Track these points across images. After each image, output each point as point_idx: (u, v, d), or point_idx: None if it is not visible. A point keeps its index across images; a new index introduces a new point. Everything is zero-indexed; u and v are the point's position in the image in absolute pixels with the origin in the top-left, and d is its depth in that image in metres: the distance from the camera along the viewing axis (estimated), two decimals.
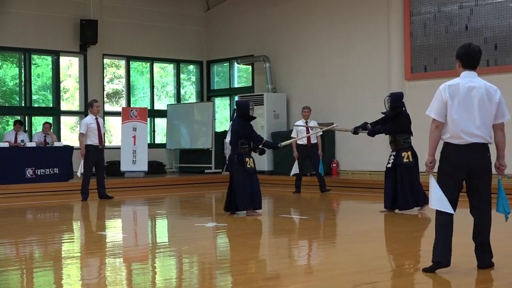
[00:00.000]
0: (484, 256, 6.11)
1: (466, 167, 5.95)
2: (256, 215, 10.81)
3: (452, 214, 5.98)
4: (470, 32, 15.41)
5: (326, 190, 14.72)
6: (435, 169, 6.10)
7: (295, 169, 14.62)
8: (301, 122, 14.90)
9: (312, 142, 14.62)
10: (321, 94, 18.09)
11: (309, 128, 14.56)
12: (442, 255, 5.98)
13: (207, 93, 21.70)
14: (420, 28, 16.29)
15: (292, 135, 14.94)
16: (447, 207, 5.93)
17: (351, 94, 17.17)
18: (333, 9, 18.09)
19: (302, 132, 14.69)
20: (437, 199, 5.98)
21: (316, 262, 7.19)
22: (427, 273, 6.05)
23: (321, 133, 14.84)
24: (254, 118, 11.31)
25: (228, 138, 11.24)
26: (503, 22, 14.94)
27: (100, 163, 13.94)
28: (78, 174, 13.91)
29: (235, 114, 11.13)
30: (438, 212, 6.04)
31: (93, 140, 13.68)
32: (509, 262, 6.60)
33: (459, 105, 5.95)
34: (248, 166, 10.83)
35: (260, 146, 11.11)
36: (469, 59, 6.14)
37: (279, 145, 11.76)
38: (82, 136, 13.73)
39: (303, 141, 14.55)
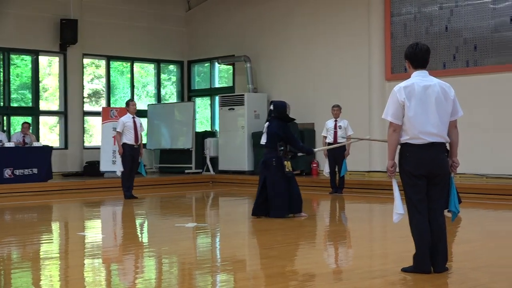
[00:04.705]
0: (437, 260, 5.99)
1: (426, 166, 5.93)
2: (301, 217, 10.42)
3: (426, 218, 5.97)
4: (450, 32, 15.49)
5: (339, 193, 14.37)
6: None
7: (326, 168, 14.26)
8: (331, 122, 14.48)
9: (338, 141, 14.26)
10: (302, 94, 18.11)
11: (348, 138, 14.12)
12: (423, 264, 5.96)
13: (187, 93, 21.65)
14: (400, 29, 16.35)
15: (322, 134, 14.68)
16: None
17: (332, 94, 17.20)
18: (314, 9, 18.12)
19: (330, 131, 14.42)
20: (402, 204, 6.02)
21: (296, 263, 7.18)
22: (406, 273, 6.06)
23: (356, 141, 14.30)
24: (294, 119, 10.92)
25: (264, 140, 10.55)
26: (482, 23, 15.03)
27: (134, 162, 13.85)
28: (118, 173, 13.90)
29: (271, 115, 10.56)
30: (411, 217, 6.02)
31: (129, 139, 13.63)
32: (464, 264, 6.64)
33: (417, 105, 5.90)
34: (287, 169, 10.32)
35: (296, 150, 10.57)
36: (418, 58, 6.08)
37: (314, 150, 11.53)
38: (119, 134, 13.73)
39: (330, 140, 14.29)
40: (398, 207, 6.05)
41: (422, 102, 5.93)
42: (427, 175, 5.96)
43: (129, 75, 20.63)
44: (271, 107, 10.60)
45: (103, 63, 20.16)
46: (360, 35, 17.02)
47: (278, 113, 10.46)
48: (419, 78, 6.04)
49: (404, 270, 6.10)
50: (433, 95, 5.95)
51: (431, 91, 5.96)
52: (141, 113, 20.18)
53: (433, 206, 6.01)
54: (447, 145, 6.11)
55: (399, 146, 6.06)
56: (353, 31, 17.21)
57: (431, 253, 5.97)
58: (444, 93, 5.99)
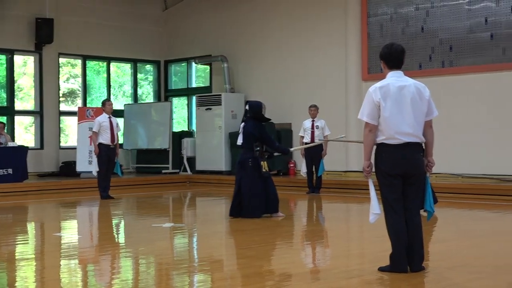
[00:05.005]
0: (414, 259, 6.01)
1: (401, 166, 5.96)
2: (278, 217, 10.42)
3: (403, 218, 6.00)
4: (426, 33, 15.59)
5: (316, 193, 14.40)
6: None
7: (304, 168, 14.28)
8: (308, 121, 14.54)
9: (315, 141, 14.24)
10: (279, 94, 18.14)
11: (326, 138, 14.16)
12: (400, 264, 5.99)
13: (164, 93, 21.59)
14: (377, 29, 16.43)
15: (299, 134, 14.76)
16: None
17: (309, 94, 17.23)
18: (291, 9, 18.14)
19: (308, 131, 14.44)
20: (378, 204, 6.04)
21: (273, 263, 7.19)
22: (383, 272, 6.09)
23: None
24: (269, 119, 10.87)
25: (240, 140, 10.53)
26: (458, 24, 15.15)
27: (110, 162, 13.77)
28: (94, 173, 13.83)
29: (246, 115, 10.53)
30: (388, 217, 6.04)
31: (105, 139, 13.58)
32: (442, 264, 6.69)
33: (392, 106, 5.93)
34: (263, 170, 10.31)
35: (272, 150, 10.58)
36: (393, 59, 6.11)
37: (290, 150, 11.52)
38: (95, 134, 13.66)
39: (307, 140, 14.31)
40: (375, 207, 6.08)
41: (398, 102, 5.96)
42: (403, 175, 5.99)
43: (105, 75, 20.51)
44: (247, 107, 10.60)
45: (79, 62, 20.03)
46: (336, 35, 17.07)
47: (254, 113, 10.45)
48: (394, 78, 6.07)
49: (381, 269, 6.13)
50: (408, 95, 5.98)
51: (406, 91, 6.00)
52: (118, 113, 20.06)
53: (409, 206, 6.04)
54: (423, 145, 6.15)
55: (375, 146, 6.09)
56: (330, 32, 17.26)
57: (408, 253, 6.00)
58: (419, 93, 6.02)
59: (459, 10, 15.15)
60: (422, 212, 6.31)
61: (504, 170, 14.37)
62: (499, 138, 14.57)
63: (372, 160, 6.08)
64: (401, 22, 16.03)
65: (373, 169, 6.10)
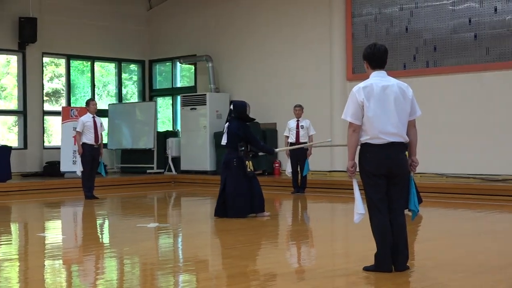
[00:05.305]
0: (398, 259, 6.03)
1: (386, 166, 5.97)
2: (264, 216, 10.42)
3: (387, 218, 6.02)
4: (410, 33, 15.65)
5: (301, 192, 14.40)
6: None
7: (289, 168, 14.28)
8: (293, 121, 14.52)
9: (301, 141, 14.31)
10: (264, 94, 18.14)
11: (311, 140, 14.18)
12: (385, 263, 6.00)
13: (149, 92, 21.53)
14: (361, 29, 16.47)
15: (284, 134, 14.73)
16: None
17: (293, 94, 17.25)
18: (276, 9, 18.16)
19: (293, 130, 14.44)
20: (363, 204, 6.05)
21: (258, 262, 7.18)
22: (368, 272, 6.10)
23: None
24: (254, 119, 10.88)
25: (224, 140, 10.51)
26: (442, 24, 15.22)
27: (94, 162, 13.70)
28: (78, 173, 13.77)
29: (231, 115, 10.51)
30: (372, 217, 6.06)
31: (89, 139, 13.53)
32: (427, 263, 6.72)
33: (376, 106, 5.95)
34: (248, 169, 10.28)
35: (257, 150, 10.55)
36: (376, 59, 6.14)
37: (275, 150, 11.55)
38: (78, 134, 13.62)
39: (292, 140, 14.32)
40: (359, 207, 6.09)
41: (381, 102, 5.97)
42: (387, 175, 6.01)
43: (89, 74, 20.43)
44: (231, 107, 10.58)
45: (63, 62, 19.93)
46: (321, 35, 17.10)
47: (238, 113, 10.44)
48: (378, 78, 6.09)
49: (366, 269, 6.14)
50: (391, 95, 6.00)
51: (389, 91, 6.01)
52: (102, 113, 20.00)
53: (393, 206, 6.05)
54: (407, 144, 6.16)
55: (359, 146, 6.10)
56: (315, 32, 17.28)
57: (392, 252, 6.01)
58: (402, 93, 6.04)
59: (443, 10, 15.23)
60: (407, 212, 6.33)
61: (488, 170, 14.44)
62: (483, 138, 14.64)
63: (356, 160, 6.09)
64: (386, 22, 16.08)
65: (357, 169, 6.11)
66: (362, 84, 6.07)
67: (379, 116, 5.95)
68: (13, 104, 18.99)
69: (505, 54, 14.41)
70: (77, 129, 13.74)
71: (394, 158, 5.98)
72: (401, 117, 6.00)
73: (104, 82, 21.24)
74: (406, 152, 6.21)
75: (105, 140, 19.97)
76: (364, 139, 6.02)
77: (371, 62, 6.16)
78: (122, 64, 21.10)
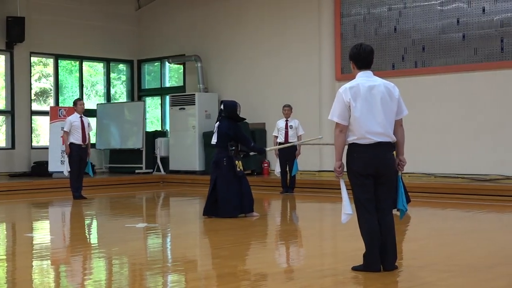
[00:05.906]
0: (387, 258, 6.04)
1: (373, 166, 5.99)
2: (253, 216, 10.43)
3: (375, 218, 6.03)
4: (399, 34, 15.69)
5: (290, 192, 14.39)
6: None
7: (277, 167, 14.22)
8: (282, 121, 14.52)
9: (289, 141, 14.26)
10: (253, 94, 18.14)
11: (300, 138, 14.18)
12: (373, 263, 6.01)
13: (138, 92, 21.49)
14: (350, 30, 16.50)
15: (273, 134, 14.73)
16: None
17: (283, 93, 17.25)
18: (265, 9, 18.16)
19: (281, 130, 14.43)
20: (350, 205, 6.06)
21: (247, 262, 7.18)
22: (357, 271, 6.11)
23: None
24: (244, 119, 10.83)
25: (214, 140, 10.52)
26: (430, 25, 15.26)
27: (82, 162, 13.66)
28: (65, 173, 13.74)
29: (221, 115, 10.48)
30: (360, 217, 6.06)
31: (76, 139, 13.51)
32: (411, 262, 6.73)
33: (363, 106, 5.96)
34: (238, 169, 10.28)
35: (248, 149, 10.53)
36: (362, 59, 6.14)
37: (265, 149, 11.54)
38: (66, 134, 13.58)
39: (281, 140, 14.32)
40: (347, 208, 6.09)
41: (368, 102, 5.99)
42: (374, 175, 6.02)
43: (77, 74, 20.36)
44: (221, 107, 10.58)
45: (51, 61, 19.86)
46: (310, 35, 17.12)
47: (228, 112, 10.43)
48: (364, 78, 6.10)
49: (355, 268, 6.15)
50: (378, 95, 6.01)
51: (376, 91, 6.03)
52: (90, 113, 19.95)
53: (381, 206, 6.06)
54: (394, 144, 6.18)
55: (346, 146, 6.11)
56: (303, 32, 17.30)
57: (381, 252, 6.02)
58: (389, 93, 6.06)
59: (432, 10, 15.27)
60: (395, 212, 6.35)
61: (476, 170, 14.50)
62: (471, 138, 14.70)
63: (344, 161, 6.10)
64: (374, 23, 16.12)
65: (345, 169, 6.12)
66: (348, 84, 6.08)
67: (365, 116, 5.96)
68: (0, 104, 18.90)
69: (493, 55, 14.47)
70: (65, 129, 13.72)
71: (381, 158, 5.99)
72: (387, 117, 6.01)
73: (93, 82, 21.17)
74: (394, 152, 6.23)
75: (93, 140, 19.94)
76: (351, 139, 6.03)
77: (357, 62, 6.17)
78: (110, 64, 21.04)
